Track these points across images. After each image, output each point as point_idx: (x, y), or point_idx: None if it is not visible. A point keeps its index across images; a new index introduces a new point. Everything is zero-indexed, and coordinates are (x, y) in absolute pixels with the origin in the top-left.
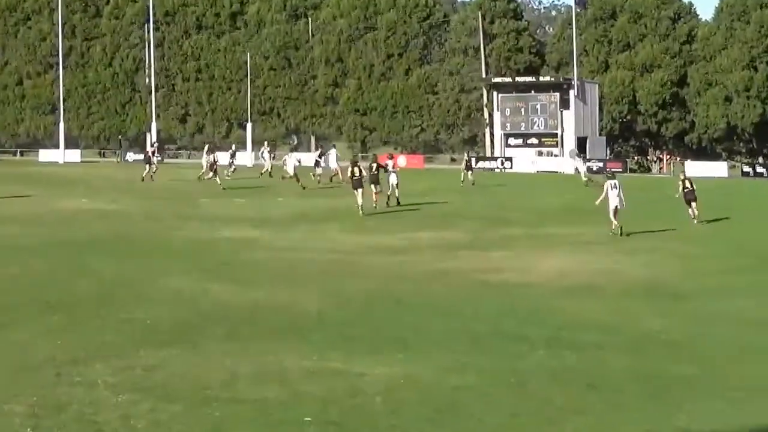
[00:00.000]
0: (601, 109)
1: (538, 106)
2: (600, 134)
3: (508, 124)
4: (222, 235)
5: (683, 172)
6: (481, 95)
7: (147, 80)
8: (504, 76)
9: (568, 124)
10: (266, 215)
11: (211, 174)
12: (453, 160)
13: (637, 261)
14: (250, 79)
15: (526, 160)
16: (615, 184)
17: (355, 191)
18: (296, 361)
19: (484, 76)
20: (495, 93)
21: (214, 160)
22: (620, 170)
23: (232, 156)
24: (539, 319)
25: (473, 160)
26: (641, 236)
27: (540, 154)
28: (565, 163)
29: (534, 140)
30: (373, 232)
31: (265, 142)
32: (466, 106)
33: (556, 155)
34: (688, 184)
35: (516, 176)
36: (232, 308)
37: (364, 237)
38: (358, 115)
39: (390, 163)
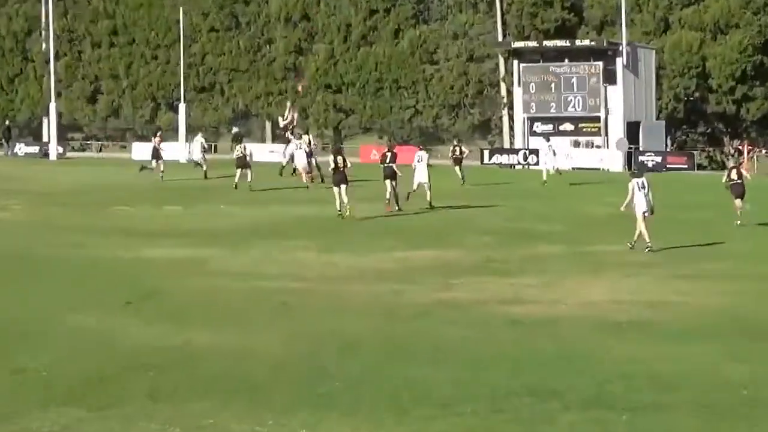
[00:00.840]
0: (659, 84)
1: (574, 81)
2: (658, 118)
3: (533, 105)
4: (148, 254)
5: (735, 156)
6: (497, 66)
7: (43, 46)
8: (528, 39)
9: (615, 105)
10: (210, 228)
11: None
12: (456, 153)
13: (706, 288)
14: (184, 44)
15: (557, 153)
16: (643, 183)
17: (337, 188)
18: (247, 429)
19: (500, 39)
20: (515, 62)
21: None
22: (685, 167)
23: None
24: (577, 369)
25: (464, 150)
26: (703, 254)
27: (576, 144)
28: (611, 157)
29: (568, 126)
30: (355, 250)
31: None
32: (477, 80)
33: (598, 146)
34: (734, 176)
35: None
36: (159, 355)
37: (343, 257)
38: (330, 92)
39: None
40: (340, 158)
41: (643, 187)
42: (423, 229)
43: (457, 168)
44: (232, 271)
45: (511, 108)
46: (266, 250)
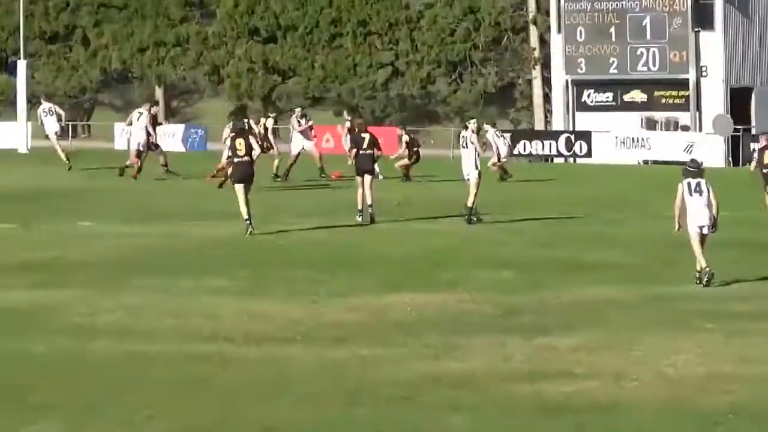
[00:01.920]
0: None
1: (647, 24)
2: None
3: (581, 62)
4: None
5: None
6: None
7: None
8: None
9: (713, 62)
10: (64, 258)
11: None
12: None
13: None
14: None
15: (620, 139)
16: (698, 186)
17: (361, 178)
18: None
19: None
20: None
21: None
22: None
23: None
24: None
25: (411, 137)
26: None
27: (651, 125)
28: (706, 143)
29: (637, 95)
30: (298, 291)
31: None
32: (492, 21)
33: (684, 127)
34: None
35: (598, 171)
36: None
37: (279, 304)
38: (257, 42)
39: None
40: (367, 136)
41: (699, 191)
42: (408, 257)
43: (403, 161)
44: (97, 327)
45: (546, 67)
46: (154, 293)
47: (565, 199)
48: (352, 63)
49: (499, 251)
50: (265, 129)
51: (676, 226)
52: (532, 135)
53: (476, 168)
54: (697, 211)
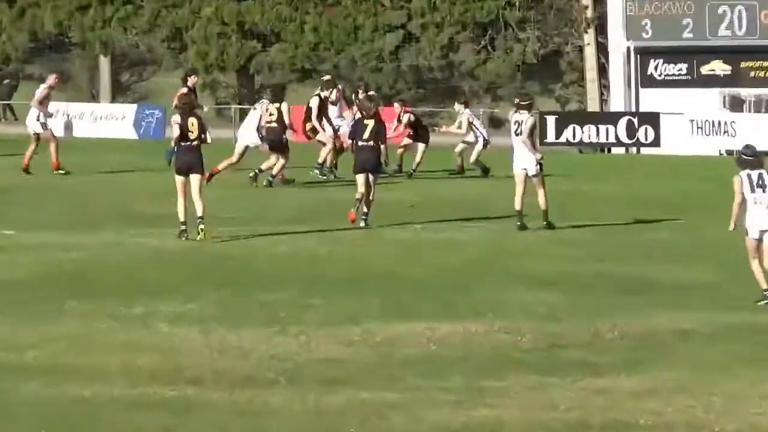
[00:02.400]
0: None
1: None
2: None
3: (647, 24)
4: None
5: None
6: None
7: None
8: None
9: None
10: None
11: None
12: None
13: None
14: None
15: (696, 123)
16: (761, 179)
17: (363, 177)
18: None
19: None
20: None
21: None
22: None
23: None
24: None
25: (415, 117)
26: None
27: (736, 105)
28: None
29: (718, 67)
30: (279, 318)
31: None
32: None
33: None
34: None
35: (669, 164)
36: None
37: (257, 334)
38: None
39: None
40: (194, 122)
41: (762, 186)
42: (424, 275)
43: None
44: (25, 365)
45: (602, 31)
46: (97, 321)
47: (626, 199)
48: (352, 25)
49: (540, 267)
50: (309, 109)
51: (732, 226)
52: (584, 118)
53: (536, 159)
54: (758, 212)
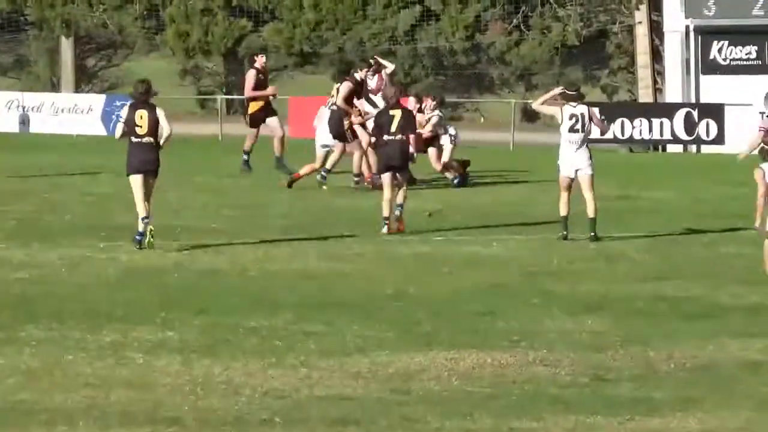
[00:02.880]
0: None
1: None
2: None
3: (709, 2)
4: None
5: None
6: None
7: None
8: None
9: None
10: None
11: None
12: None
13: None
14: None
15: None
16: None
17: (390, 176)
18: None
19: None
20: None
21: None
22: None
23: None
24: None
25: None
26: None
27: None
28: None
29: None
30: (273, 349)
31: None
32: None
33: None
34: None
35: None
36: None
37: (246, 368)
38: None
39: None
40: (143, 115)
41: None
42: (446, 297)
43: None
44: None
45: (656, 7)
46: (59, 350)
47: (685, 207)
48: (360, 0)
49: (584, 287)
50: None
51: (757, 222)
52: (635, 110)
53: (590, 159)
54: None
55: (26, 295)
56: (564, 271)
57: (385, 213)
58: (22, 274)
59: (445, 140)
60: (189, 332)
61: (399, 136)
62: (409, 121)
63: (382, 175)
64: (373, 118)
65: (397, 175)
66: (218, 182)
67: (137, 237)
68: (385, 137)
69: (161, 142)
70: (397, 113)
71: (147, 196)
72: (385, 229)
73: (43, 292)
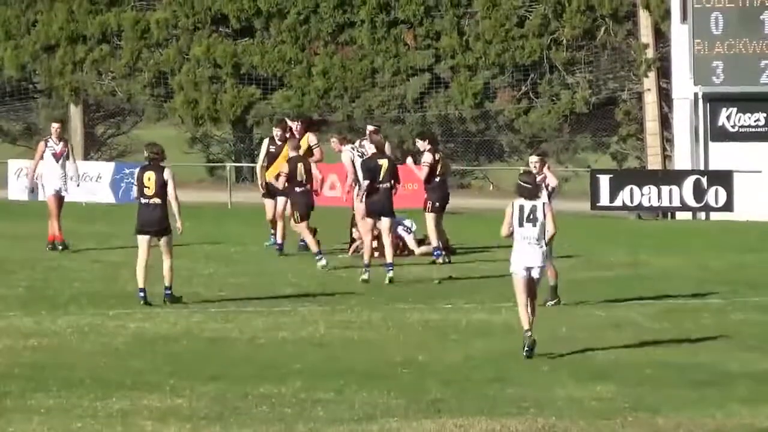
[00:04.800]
0: None
1: None
2: None
3: (717, 67)
4: None
5: None
6: None
7: None
8: None
9: None
10: None
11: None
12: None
13: None
14: None
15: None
16: None
17: (372, 221)
18: None
19: None
20: None
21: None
22: None
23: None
24: None
25: (439, 154)
26: None
27: None
28: None
29: None
30: (282, 416)
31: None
32: (579, 6)
33: None
34: None
35: (745, 232)
36: None
37: None
38: (222, 36)
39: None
40: (151, 177)
41: None
42: (455, 364)
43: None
44: None
45: (665, 74)
46: (67, 419)
47: (693, 274)
48: (370, 67)
49: (593, 355)
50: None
51: None
52: (644, 177)
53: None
54: None
55: (35, 363)
56: (573, 338)
57: (366, 259)
58: (31, 342)
59: (402, 233)
60: (198, 400)
61: (386, 184)
62: (393, 171)
63: (365, 220)
64: (361, 164)
65: (385, 219)
66: (226, 250)
67: (141, 291)
68: (376, 185)
69: (174, 210)
70: (384, 161)
71: (167, 257)
72: (365, 274)
73: (52, 360)
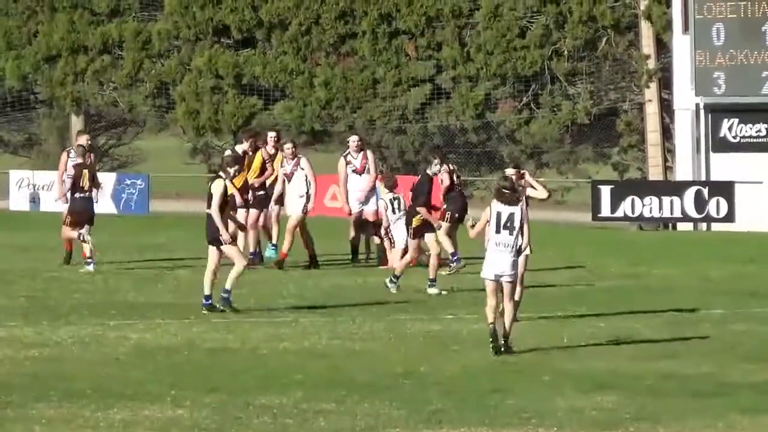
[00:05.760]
0: None
1: None
2: None
3: (719, 78)
4: None
5: None
6: None
7: None
8: None
9: None
10: None
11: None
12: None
13: None
14: None
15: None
16: None
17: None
18: None
19: None
20: None
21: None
22: None
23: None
24: None
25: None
26: None
27: None
28: None
29: None
30: (284, 426)
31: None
32: (581, 17)
33: None
34: None
35: (746, 243)
36: None
37: None
38: (224, 47)
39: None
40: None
41: None
42: (456, 375)
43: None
44: None
45: (666, 85)
46: (67, 429)
47: (695, 285)
48: (371, 78)
49: (595, 365)
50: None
51: None
52: (645, 188)
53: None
54: None
55: (37, 373)
56: (574, 348)
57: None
58: (32, 352)
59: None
60: (200, 410)
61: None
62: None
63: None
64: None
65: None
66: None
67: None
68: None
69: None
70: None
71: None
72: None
73: (53, 371)
